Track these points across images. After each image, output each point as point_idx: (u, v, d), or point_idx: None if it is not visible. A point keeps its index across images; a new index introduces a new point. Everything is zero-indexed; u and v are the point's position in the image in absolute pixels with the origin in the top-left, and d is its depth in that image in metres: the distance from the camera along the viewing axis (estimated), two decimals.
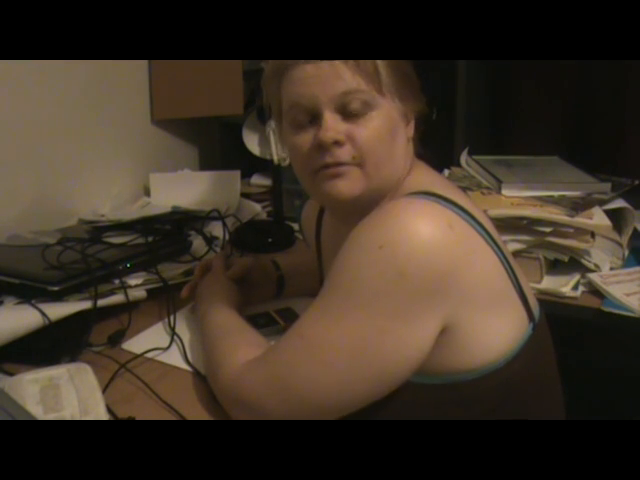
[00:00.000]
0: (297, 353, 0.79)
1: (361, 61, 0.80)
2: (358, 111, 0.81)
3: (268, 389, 0.79)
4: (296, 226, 1.51)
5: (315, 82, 0.80)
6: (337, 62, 0.79)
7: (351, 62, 0.79)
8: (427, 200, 0.78)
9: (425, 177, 0.88)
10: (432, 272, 0.73)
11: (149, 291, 1.15)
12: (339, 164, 0.82)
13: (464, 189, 1.29)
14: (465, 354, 0.79)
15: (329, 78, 0.80)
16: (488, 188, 1.34)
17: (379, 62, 0.81)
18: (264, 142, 1.45)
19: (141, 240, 1.27)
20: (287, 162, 1.37)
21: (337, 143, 0.81)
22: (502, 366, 0.80)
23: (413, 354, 0.76)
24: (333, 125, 0.80)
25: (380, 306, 0.74)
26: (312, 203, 1.11)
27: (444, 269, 0.74)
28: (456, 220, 0.77)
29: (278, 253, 1.40)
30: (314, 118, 0.82)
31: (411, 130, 0.88)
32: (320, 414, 0.78)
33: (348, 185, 0.82)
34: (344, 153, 0.81)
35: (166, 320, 1.08)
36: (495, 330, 0.79)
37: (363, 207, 0.85)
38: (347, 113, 0.81)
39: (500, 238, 0.84)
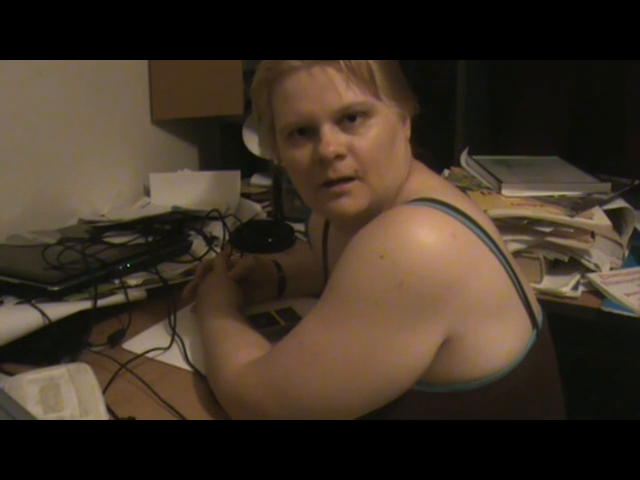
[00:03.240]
0: (295, 359, 0.78)
1: (355, 67, 0.77)
2: (357, 121, 0.79)
3: (267, 392, 0.79)
4: (296, 226, 1.51)
5: (310, 96, 0.78)
6: (331, 71, 0.77)
7: (345, 69, 0.77)
8: (430, 208, 0.76)
9: (425, 181, 0.86)
10: (433, 283, 0.72)
11: (149, 291, 1.15)
12: (342, 180, 0.80)
13: (464, 189, 1.29)
14: (468, 364, 0.77)
15: (324, 91, 0.77)
16: (488, 188, 1.34)
17: (373, 66, 0.78)
18: None
19: (141, 240, 1.27)
20: None
21: (339, 157, 0.78)
22: (506, 375, 0.78)
23: (412, 364, 0.75)
24: (333, 139, 0.78)
25: (379, 316, 0.73)
26: None
27: (446, 280, 0.72)
28: (460, 229, 0.75)
29: (278, 253, 1.40)
30: (312, 132, 0.80)
31: (408, 129, 0.86)
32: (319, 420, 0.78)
33: (353, 202, 0.81)
34: (346, 166, 0.79)
35: (166, 320, 1.08)
36: (499, 340, 0.78)
37: (368, 215, 0.84)
38: (346, 124, 0.79)
39: (503, 242, 0.82)
